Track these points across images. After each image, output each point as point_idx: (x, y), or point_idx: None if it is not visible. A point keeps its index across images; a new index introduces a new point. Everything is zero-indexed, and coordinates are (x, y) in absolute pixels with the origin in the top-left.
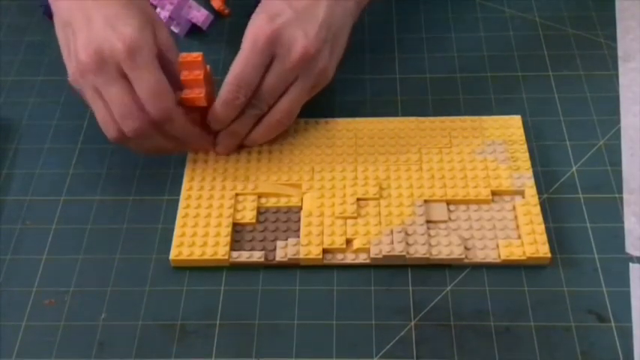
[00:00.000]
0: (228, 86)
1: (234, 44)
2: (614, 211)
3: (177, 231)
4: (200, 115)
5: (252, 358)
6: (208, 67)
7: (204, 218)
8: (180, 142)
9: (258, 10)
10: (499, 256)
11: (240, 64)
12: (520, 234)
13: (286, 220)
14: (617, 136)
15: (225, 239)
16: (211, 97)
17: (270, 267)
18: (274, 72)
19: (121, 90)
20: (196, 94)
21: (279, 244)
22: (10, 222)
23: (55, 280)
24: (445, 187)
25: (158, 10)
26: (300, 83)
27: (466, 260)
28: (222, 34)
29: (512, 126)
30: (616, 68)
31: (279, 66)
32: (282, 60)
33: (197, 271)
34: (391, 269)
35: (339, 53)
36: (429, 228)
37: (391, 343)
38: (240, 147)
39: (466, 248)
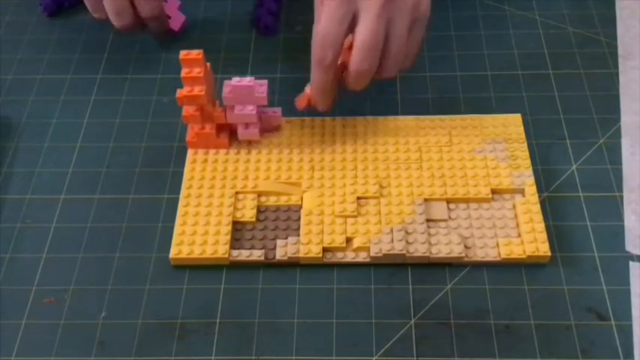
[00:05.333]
0: (316, 48)
1: (234, 43)
2: (614, 210)
3: (176, 229)
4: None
5: (252, 356)
6: (208, 64)
7: (204, 217)
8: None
9: None
10: (499, 254)
11: (323, 22)
12: (520, 232)
13: (286, 219)
14: (618, 134)
15: (225, 238)
16: (211, 94)
17: (270, 266)
18: (365, 22)
19: None
20: (197, 92)
21: (279, 242)
22: (9, 220)
23: (55, 278)
24: (445, 185)
25: None
26: (396, 25)
27: (466, 259)
28: (222, 32)
29: (512, 124)
30: (616, 66)
31: (368, 15)
32: (368, 8)
33: (197, 269)
34: (391, 268)
35: None
36: (428, 227)
37: (391, 342)
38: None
39: (466, 247)
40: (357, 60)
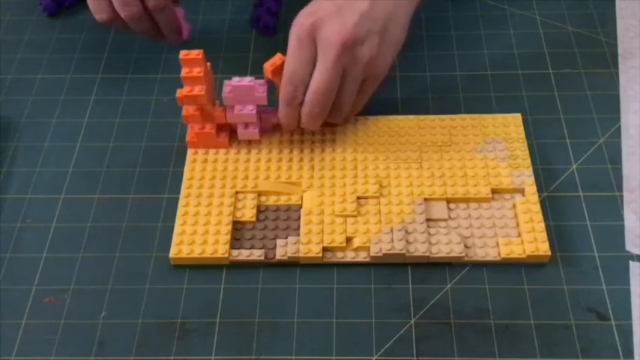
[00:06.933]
0: (285, 87)
1: (234, 43)
2: (614, 209)
3: (176, 229)
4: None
5: (252, 356)
6: (209, 64)
7: (204, 216)
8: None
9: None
10: (499, 254)
11: (290, 63)
12: (520, 232)
13: (286, 219)
14: (617, 134)
15: (225, 237)
16: (211, 93)
17: (270, 265)
18: (320, 69)
19: None
20: (197, 92)
21: (279, 242)
22: (9, 220)
23: (55, 278)
24: (445, 185)
25: None
26: (348, 77)
27: (466, 258)
28: (222, 32)
29: (512, 124)
30: (616, 66)
31: (324, 62)
32: (325, 55)
33: (197, 269)
34: (391, 267)
35: (393, 45)
36: (428, 226)
37: (391, 342)
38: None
39: (466, 246)
40: (309, 103)
